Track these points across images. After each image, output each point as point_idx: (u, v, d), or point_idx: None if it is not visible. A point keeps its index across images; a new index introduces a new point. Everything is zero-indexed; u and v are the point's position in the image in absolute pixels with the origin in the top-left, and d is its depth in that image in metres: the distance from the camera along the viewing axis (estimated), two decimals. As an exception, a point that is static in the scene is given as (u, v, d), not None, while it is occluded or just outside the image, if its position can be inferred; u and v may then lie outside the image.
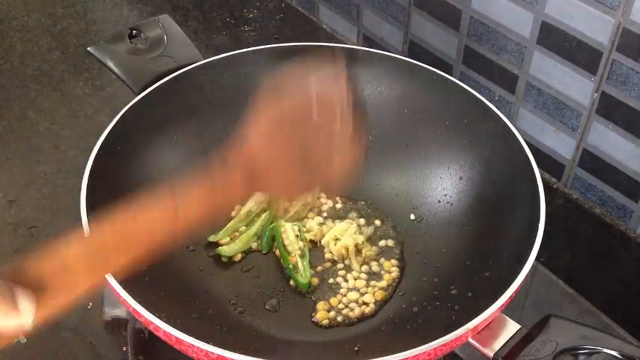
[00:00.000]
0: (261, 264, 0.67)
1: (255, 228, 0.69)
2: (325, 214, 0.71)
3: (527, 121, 0.83)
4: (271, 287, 0.65)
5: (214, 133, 0.70)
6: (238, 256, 0.67)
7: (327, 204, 0.72)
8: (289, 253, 0.66)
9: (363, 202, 0.72)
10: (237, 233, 0.69)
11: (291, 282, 0.65)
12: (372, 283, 0.65)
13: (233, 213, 0.70)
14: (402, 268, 0.67)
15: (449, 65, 0.89)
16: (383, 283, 0.65)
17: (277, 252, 0.67)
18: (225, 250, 0.67)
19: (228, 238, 0.68)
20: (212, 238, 0.68)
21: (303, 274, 0.65)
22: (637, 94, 0.71)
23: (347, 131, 0.51)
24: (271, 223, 0.69)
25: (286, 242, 0.67)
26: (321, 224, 0.70)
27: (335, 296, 0.64)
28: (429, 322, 0.59)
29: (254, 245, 0.68)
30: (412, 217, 0.70)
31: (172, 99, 0.69)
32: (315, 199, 0.71)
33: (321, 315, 0.62)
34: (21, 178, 0.83)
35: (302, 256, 0.66)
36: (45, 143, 0.88)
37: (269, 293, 0.65)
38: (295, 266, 0.65)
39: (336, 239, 0.68)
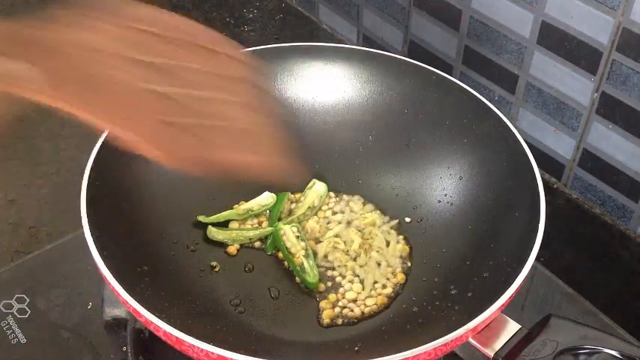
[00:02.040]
0: (262, 264, 0.67)
1: (251, 233, 0.68)
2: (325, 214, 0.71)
3: (527, 121, 0.83)
4: (272, 287, 0.65)
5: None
6: (234, 250, 0.67)
7: (327, 204, 0.72)
8: (293, 255, 0.66)
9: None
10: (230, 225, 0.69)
11: (297, 279, 0.65)
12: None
13: (235, 206, 0.70)
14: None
15: (449, 65, 0.89)
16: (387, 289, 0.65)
17: (280, 254, 0.67)
18: (212, 231, 0.67)
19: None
20: (201, 218, 0.68)
21: (311, 273, 0.65)
22: (637, 94, 0.71)
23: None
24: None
25: (288, 244, 0.67)
26: (319, 221, 0.70)
27: (336, 295, 0.64)
28: (429, 322, 0.59)
29: (257, 244, 0.69)
30: (412, 217, 0.70)
31: (172, 99, 0.69)
32: (322, 202, 0.71)
33: (327, 313, 0.62)
34: (21, 178, 0.83)
35: (306, 255, 0.66)
36: (45, 143, 0.88)
37: (270, 293, 0.65)
38: (302, 267, 0.65)
39: (336, 239, 0.68)
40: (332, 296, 0.64)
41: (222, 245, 0.68)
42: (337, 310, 0.63)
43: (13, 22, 0.37)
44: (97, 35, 0.38)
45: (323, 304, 0.63)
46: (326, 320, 0.62)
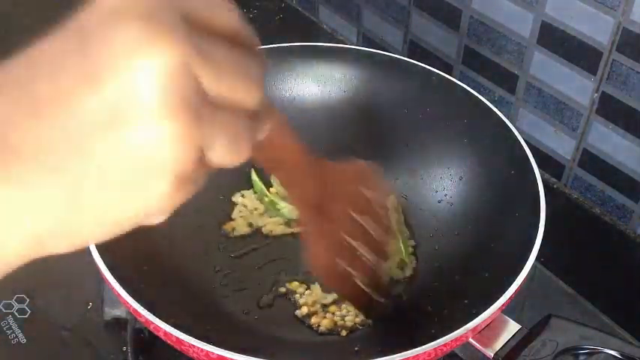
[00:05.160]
0: (263, 265, 0.67)
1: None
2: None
3: (527, 121, 0.83)
4: (272, 288, 0.65)
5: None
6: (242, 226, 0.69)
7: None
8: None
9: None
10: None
11: (293, 284, 0.65)
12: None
13: (234, 198, 0.71)
14: (401, 269, 0.67)
15: (449, 65, 0.89)
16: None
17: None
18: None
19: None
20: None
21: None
22: (637, 94, 0.71)
23: None
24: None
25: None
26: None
27: (333, 305, 0.64)
28: (429, 323, 0.58)
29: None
30: (412, 217, 0.70)
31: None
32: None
33: (326, 322, 0.62)
34: (21, 178, 0.83)
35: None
36: (45, 143, 0.88)
37: (270, 294, 0.65)
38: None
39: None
40: (331, 307, 0.63)
41: (223, 246, 0.68)
42: (336, 318, 0.63)
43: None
44: (352, 191, 0.52)
45: (316, 317, 0.63)
46: (323, 328, 0.62)
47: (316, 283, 0.65)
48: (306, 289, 0.64)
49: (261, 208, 0.71)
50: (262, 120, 0.34)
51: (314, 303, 0.63)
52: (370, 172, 0.55)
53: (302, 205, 0.49)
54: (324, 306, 0.63)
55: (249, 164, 0.71)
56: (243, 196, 0.72)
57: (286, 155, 0.44)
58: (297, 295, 0.64)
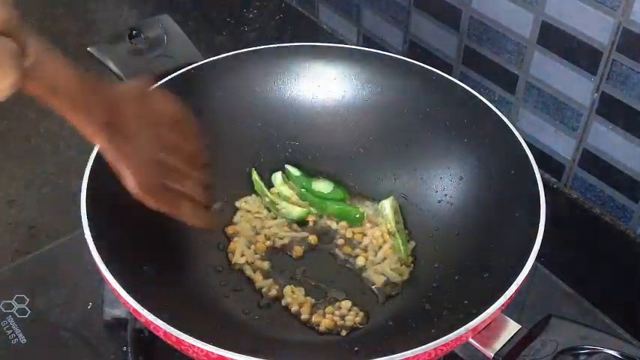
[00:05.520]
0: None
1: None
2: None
3: (527, 121, 0.83)
4: (273, 289, 0.65)
5: (214, 132, 0.70)
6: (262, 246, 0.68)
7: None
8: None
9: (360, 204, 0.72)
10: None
11: (292, 288, 0.65)
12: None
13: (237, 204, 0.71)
14: (401, 269, 0.67)
15: (449, 65, 0.89)
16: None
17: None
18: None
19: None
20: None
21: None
22: (637, 94, 0.71)
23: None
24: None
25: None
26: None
27: (331, 305, 0.64)
28: (429, 323, 0.58)
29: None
30: (412, 216, 0.70)
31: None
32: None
33: (326, 322, 0.62)
34: (21, 178, 0.83)
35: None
36: (45, 143, 0.88)
37: (270, 294, 0.64)
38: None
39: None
40: (329, 308, 0.63)
41: (223, 246, 0.68)
42: (336, 318, 0.63)
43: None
44: (148, 110, 0.53)
45: (316, 316, 0.63)
46: (323, 327, 0.62)
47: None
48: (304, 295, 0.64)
49: (264, 212, 0.71)
50: (23, 46, 0.37)
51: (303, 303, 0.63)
52: (154, 88, 0.57)
53: (93, 130, 0.49)
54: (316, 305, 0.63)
55: (250, 164, 0.73)
56: (246, 202, 0.71)
57: (61, 81, 0.44)
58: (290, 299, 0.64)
